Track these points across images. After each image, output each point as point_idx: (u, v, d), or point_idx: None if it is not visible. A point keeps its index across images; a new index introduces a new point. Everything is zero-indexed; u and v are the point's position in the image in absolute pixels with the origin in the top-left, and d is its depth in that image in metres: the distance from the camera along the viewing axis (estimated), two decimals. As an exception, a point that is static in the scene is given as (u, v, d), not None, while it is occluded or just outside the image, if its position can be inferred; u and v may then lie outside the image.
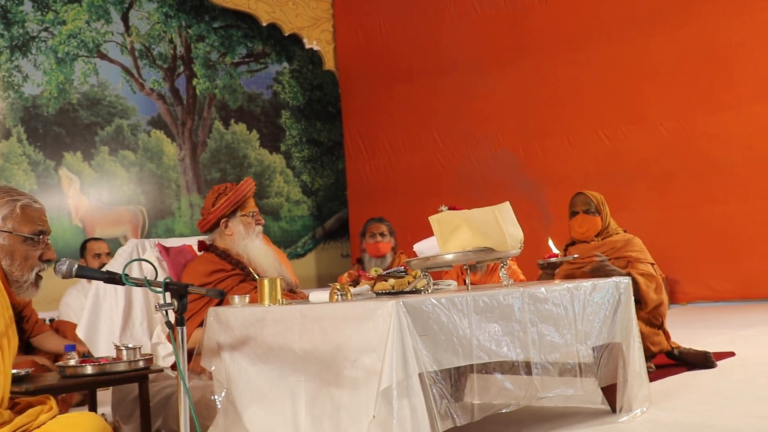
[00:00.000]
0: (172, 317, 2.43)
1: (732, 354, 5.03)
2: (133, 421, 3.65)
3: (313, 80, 12.10)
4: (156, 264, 3.82)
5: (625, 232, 5.01)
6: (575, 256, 4.59)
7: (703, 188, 8.82)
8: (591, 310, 3.32)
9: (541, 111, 9.81)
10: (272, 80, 11.67)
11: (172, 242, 4.19)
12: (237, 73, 11.23)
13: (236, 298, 3.26)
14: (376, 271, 3.53)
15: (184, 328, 2.40)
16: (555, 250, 4.49)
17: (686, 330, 5.14)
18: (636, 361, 3.47)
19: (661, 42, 9.10)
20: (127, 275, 2.47)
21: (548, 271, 4.61)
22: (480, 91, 10.29)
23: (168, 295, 2.43)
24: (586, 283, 3.34)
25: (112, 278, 2.49)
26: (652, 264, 4.84)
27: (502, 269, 3.19)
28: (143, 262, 3.76)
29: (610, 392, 3.50)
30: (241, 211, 3.97)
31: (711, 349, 5.07)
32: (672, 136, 9.02)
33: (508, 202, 3.23)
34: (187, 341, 3.42)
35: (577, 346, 3.25)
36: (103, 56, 9.87)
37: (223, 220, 3.96)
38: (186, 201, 10.49)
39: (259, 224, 4.00)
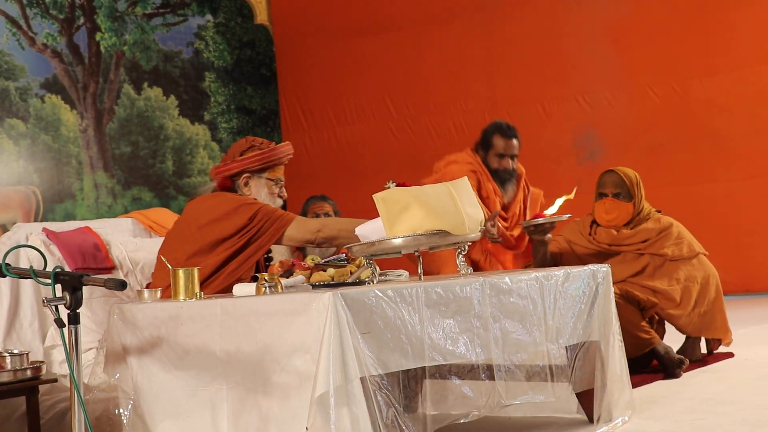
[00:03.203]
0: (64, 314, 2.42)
1: (730, 355, 5.16)
2: (21, 442, 3.61)
3: (243, 36, 12.02)
4: (44, 250, 3.79)
5: (658, 212, 5.08)
6: (568, 216, 4.63)
7: (699, 163, 8.98)
8: (563, 303, 3.37)
9: (511, 74, 9.87)
10: (193, 36, 11.56)
11: (67, 226, 4.16)
12: (150, 26, 11.10)
13: (146, 293, 3.26)
14: (313, 260, 3.54)
15: (79, 326, 2.39)
16: (549, 210, 4.51)
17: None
18: (616, 363, 3.54)
19: (652, -7, 9.23)
20: (8, 265, 2.45)
21: (537, 237, 4.69)
22: (440, 50, 10.32)
23: (59, 287, 2.42)
24: (558, 272, 3.39)
25: (-9, 269, 2.47)
26: (694, 257, 4.91)
27: (459, 256, 3.23)
28: (31, 251, 3.71)
29: (586, 399, 3.56)
30: (270, 173, 3.97)
31: (705, 349, 5.20)
32: (663, 103, 9.16)
33: (465, 177, 3.26)
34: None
35: (547, 345, 3.30)
36: (-18, 3, 9.69)
37: (246, 175, 3.95)
38: (90, 180, 10.37)
39: (281, 197, 4.00)
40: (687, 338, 5.10)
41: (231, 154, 4.00)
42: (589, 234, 5.06)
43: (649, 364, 4.81)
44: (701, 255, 5.00)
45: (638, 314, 4.74)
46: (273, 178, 3.98)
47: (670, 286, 4.85)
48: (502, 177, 5.41)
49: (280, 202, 4.01)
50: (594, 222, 5.10)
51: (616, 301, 4.50)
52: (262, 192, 3.95)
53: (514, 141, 5.44)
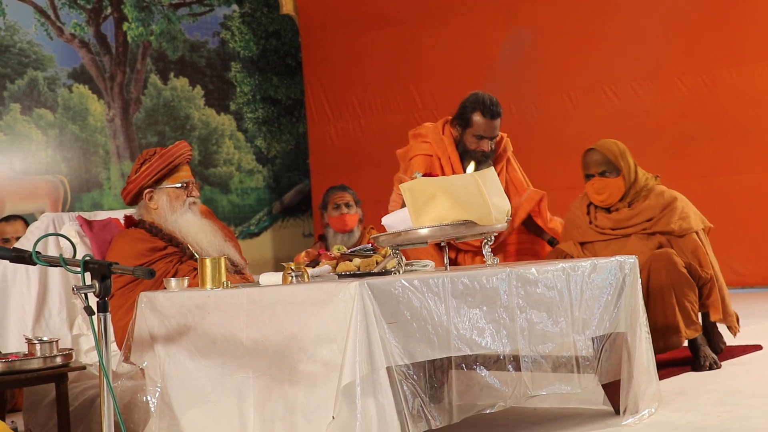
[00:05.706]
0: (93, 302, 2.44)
1: (759, 347, 5.13)
2: (49, 429, 3.64)
3: (269, 26, 12.03)
4: (77, 240, 3.82)
5: (656, 178, 4.89)
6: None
7: (726, 154, 8.90)
8: (590, 294, 3.35)
9: (537, 63, 9.82)
10: (219, 26, 11.58)
11: (97, 216, 4.20)
12: (177, 16, 11.13)
13: (173, 281, 3.28)
14: (338, 250, 3.56)
15: (108, 314, 2.41)
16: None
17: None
18: (643, 355, 3.52)
19: (680, -18, 9.14)
20: (38, 253, 2.47)
21: None
22: (465, 39, 10.28)
23: (88, 275, 2.43)
24: (585, 263, 3.38)
25: (20, 257, 2.49)
26: (700, 231, 4.75)
27: (486, 246, 3.22)
28: (61, 239, 3.74)
29: (612, 390, 3.55)
30: (169, 180, 3.96)
31: (734, 342, 5.15)
32: (691, 94, 9.08)
33: (492, 168, 3.25)
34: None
35: (573, 337, 3.29)
36: (11, -7, 9.74)
37: (146, 191, 3.95)
38: (116, 170, 10.43)
39: (191, 197, 3.99)
40: (705, 331, 5.03)
41: (131, 174, 4.02)
42: (590, 222, 4.87)
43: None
44: (702, 231, 4.81)
45: (696, 295, 4.58)
46: (174, 184, 3.96)
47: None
48: (477, 158, 4.82)
49: (191, 200, 3.98)
50: (591, 204, 4.91)
51: (681, 272, 4.46)
52: (163, 202, 3.94)
53: (498, 121, 4.88)
